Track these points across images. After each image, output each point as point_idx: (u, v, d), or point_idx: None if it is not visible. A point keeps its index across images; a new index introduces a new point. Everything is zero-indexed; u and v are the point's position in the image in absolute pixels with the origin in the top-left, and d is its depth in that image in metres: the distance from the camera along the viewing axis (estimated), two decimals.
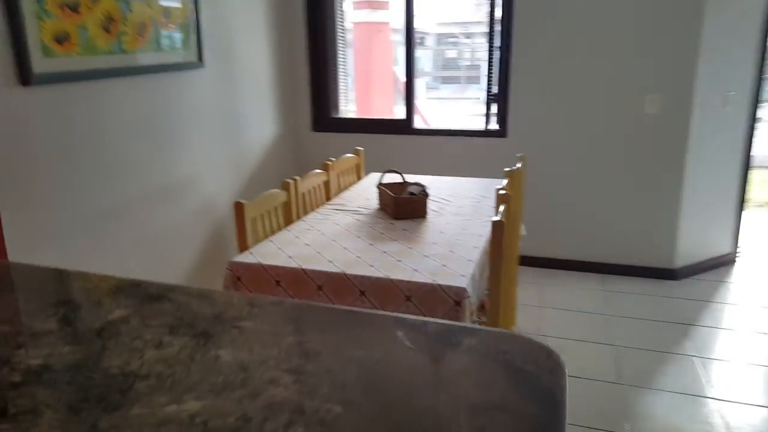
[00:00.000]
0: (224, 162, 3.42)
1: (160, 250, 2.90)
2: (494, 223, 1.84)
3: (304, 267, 1.92)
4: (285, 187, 2.44)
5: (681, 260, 3.77)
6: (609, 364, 2.79)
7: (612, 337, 3.05)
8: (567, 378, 0.74)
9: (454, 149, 4.02)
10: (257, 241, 2.23)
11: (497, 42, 3.79)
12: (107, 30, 2.49)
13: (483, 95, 3.95)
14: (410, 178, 3.19)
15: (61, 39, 2.26)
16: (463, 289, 1.76)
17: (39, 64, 2.16)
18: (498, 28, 3.76)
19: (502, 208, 2.08)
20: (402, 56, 4.09)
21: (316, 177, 2.75)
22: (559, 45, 3.64)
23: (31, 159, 2.17)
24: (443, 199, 2.83)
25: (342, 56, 4.41)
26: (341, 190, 3.06)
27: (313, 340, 0.85)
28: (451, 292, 1.77)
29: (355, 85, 6.82)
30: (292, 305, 0.98)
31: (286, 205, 2.46)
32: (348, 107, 4.60)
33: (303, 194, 2.62)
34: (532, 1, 3.62)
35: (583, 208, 3.84)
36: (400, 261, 1.99)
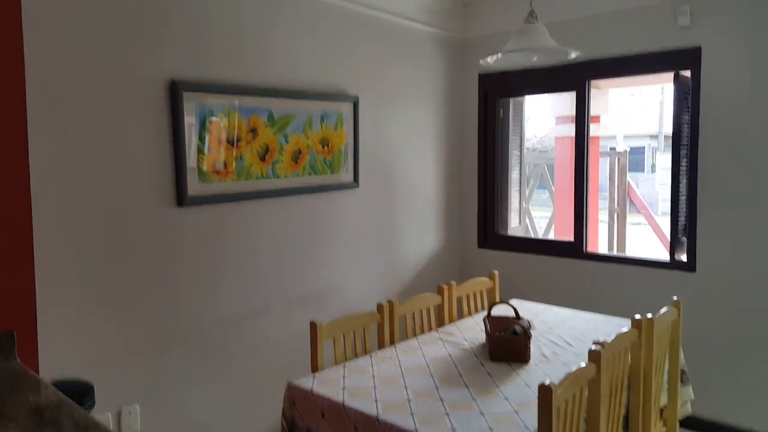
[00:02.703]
0: (373, 274, 3.56)
1: (292, 351, 3.08)
2: (539, 388, 1.52)
3: (345, 403, 1.85)
4: (379, 309, 2.42)
5: None
6: None
7: None
8: None
9: (630, 281, 3.48)
10: (338, 361, 2.24)
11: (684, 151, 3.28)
12: (263, 159, 2.92)
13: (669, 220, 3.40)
14: (543, 309, 2.88)
15: (218, 168, 2.72)
16: None
17: (194, 188, 2.62)
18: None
19: (580, 366, 1.72)
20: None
21: (426, 300, 2.67)
22: (763, 161, 2.98)
23: (183, 265, 2.59)
24: (567, 341, 2.46)
25: (517, 172, 4.31)
26: (466, 315, 2.89)
27: None
28: None
29: (554, 202, 6.52)
30: None
31: (380, 327, 2.43)
32: (538, 222, 4.41)
33: (404, 317, 2.56)
34: (720, 107, 3.08)
35: None
36: (447, 414, 1.77)
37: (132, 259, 2.42)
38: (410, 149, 3.80)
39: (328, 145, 3.24)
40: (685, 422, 3.15)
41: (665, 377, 2.39)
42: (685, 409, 2.53)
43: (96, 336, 2.32)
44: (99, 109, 2.28)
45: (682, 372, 2.52)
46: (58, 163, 2.18)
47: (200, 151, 2.65)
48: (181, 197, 2.58)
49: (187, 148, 2.58)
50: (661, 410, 2.41)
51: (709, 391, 3.15)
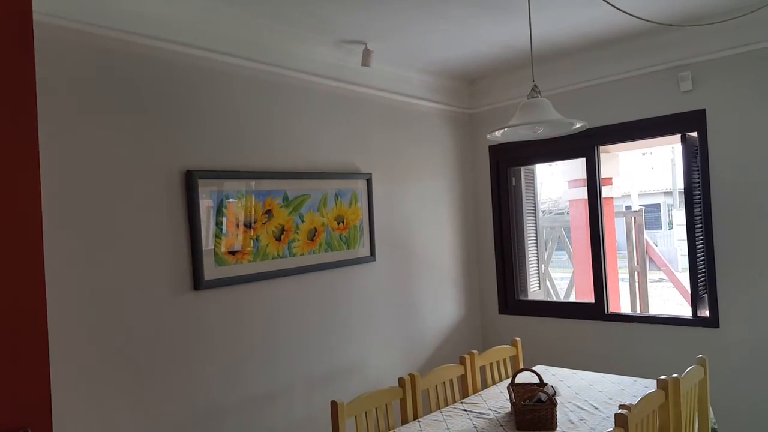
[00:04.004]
0: (394, 347, 3.54)
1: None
2: None
3: None
4: (400, 384, 2.41)
5: None
6: None
7: None
8: None
9: (653, 339, 3.42)
10: None
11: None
12: (278, 239, 3.00)
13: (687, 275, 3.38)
14: (568, 374, 2.82)
15: (234, 251, 2.80)
16: None
17: (211, 272, 2.68)
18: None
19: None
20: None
21: (448, 371, 2.64)
22: None
23: (201, 349, 2.62)
24: (594, 406, 2.40)
25: (533, 237, 4.35)
26: (490, 384, 2.85)
27: None
28: None
29: (573, 264, 6.49)
30: None
31: (402, 403, 2.41)
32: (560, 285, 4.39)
33: (427, 390, 2.53)
34: (729, 165, 3.13)
35: None
36: None
37: (149, 346, 2.43)
38: (426, 220, 3.87)
39: (343, 222, 3.33)
40: None
41: None
42: None
43: (112, 425, 2.31)
44: (116, 199, 2.35)
45: (713, 431, 2.43)
46: (74, 251, 2.22)
47: (217, 235, 2.73)
48: (197, 282, 2.62)
49: (203, 234, 2.65)
50: None
51: None
